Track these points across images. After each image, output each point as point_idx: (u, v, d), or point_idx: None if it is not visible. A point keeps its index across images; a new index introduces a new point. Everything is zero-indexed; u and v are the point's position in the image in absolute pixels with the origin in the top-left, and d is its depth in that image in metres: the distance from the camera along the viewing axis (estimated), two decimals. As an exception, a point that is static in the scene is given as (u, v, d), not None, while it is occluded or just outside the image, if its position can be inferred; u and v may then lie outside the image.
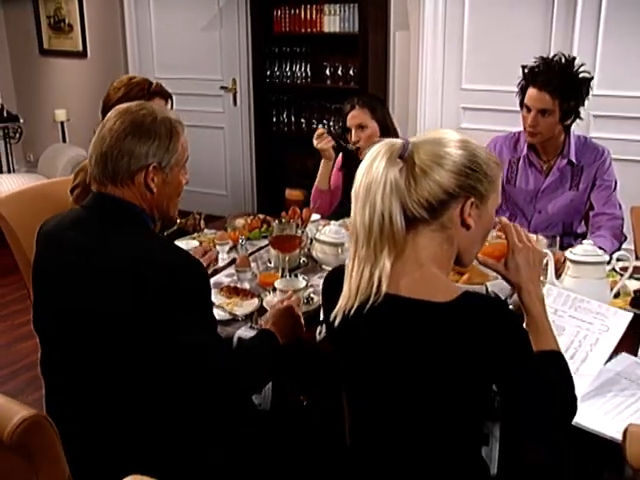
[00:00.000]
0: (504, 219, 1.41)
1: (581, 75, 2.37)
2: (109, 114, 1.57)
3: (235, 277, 2.11)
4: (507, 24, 4.09)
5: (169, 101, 2.51)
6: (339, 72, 4.55)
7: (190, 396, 1.48)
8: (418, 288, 1.20)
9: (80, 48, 5.68)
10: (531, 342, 1.24)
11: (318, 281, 2.05)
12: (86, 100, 5.79)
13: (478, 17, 4.18)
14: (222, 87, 5.19)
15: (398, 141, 1.22)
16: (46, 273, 1.53)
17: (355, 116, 2.77)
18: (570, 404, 1.27)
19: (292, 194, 2.85)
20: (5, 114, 5.43)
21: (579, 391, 1.46)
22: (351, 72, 4.49)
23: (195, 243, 2.28)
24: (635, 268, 2.17)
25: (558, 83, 2.33)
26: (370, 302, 1.19)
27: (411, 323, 1.19)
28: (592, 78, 2.40)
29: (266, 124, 4.89)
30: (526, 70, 2.42)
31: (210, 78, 5.21)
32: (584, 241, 1.85)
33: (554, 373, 1.27)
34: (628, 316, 1.58)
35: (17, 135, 5.51)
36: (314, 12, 4.48)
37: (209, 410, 1.54)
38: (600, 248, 2.23)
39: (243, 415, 1.69)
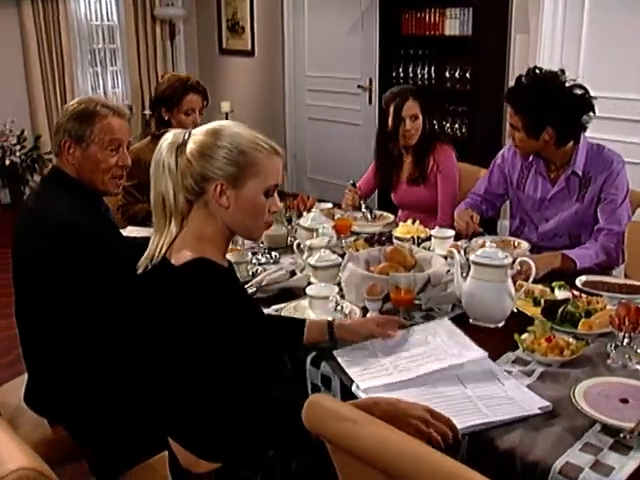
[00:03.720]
0: None
1: (570, 88, 2.26)
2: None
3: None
4: (627, 29, 3.85)
5: (204, 96, 2.88)
6: (456, 75, 4.60)
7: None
8: (177, 254, 1.43)
9: (249, 47, 6.36)
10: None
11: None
12: (249, 93, 6.48)
13: (597, 22, 3.98)
14: (359, 86, 5.48)
15: (183, 132, 1.45)
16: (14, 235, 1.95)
17: (411, 107, 2.87)
18: None
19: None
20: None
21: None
22: (467, 75, 4.51)
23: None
24: (604, 284, 2.11)
25: (520, 100, 2.29)
26: (151, 264, 1.43)
27: (161, 283, 1.42)
28: (580, 95, 2.26)
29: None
30: None
31: (350, 77, 5.54)
32: (487, 243, 1.86)
33: None
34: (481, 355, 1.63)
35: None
36: (437, 15, 4.59)
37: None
38: (570, 259, 2.21)
39: None
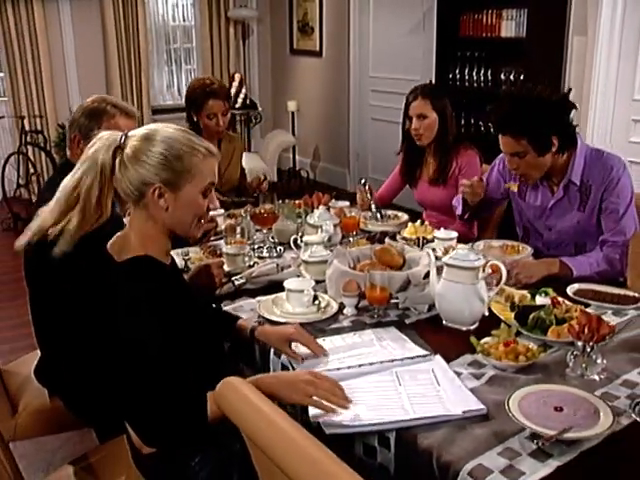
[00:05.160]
0: None
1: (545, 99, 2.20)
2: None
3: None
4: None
5: (226, 101, 2.97)
6: (511, 77, 4.50)
7: None
8: (120, 252, 1.50)
9: (317, 48, 6.46)
10: None
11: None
12: (315, 93, 6.59)
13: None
14: (419, 87, 5.45)
15: (119, 134, 1.49)
16: None
17: (417, 106, 2.92)
18: None
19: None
20: (248, 102, 6.46)
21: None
22: (522, 77, 4.41)
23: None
24: (595, 292, 2.05)
25: (521, 122, 2.18)
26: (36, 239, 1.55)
27: (103, 278, 1.50)
28: (556, 100, 2.21)
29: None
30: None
31: (411, 78, 5.48)
32: (459, 245, 1.86)
33: None
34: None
35: (255, 120, 6.50)
36: (494, 17, 4.51)
37: None
38: (567, 266, 2.16)
39: None
